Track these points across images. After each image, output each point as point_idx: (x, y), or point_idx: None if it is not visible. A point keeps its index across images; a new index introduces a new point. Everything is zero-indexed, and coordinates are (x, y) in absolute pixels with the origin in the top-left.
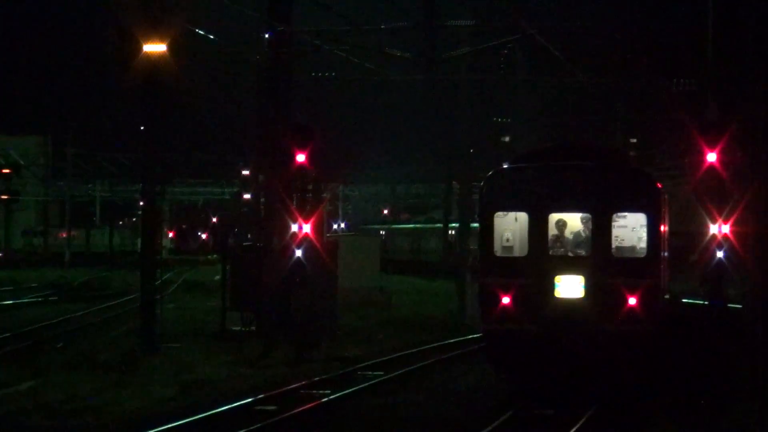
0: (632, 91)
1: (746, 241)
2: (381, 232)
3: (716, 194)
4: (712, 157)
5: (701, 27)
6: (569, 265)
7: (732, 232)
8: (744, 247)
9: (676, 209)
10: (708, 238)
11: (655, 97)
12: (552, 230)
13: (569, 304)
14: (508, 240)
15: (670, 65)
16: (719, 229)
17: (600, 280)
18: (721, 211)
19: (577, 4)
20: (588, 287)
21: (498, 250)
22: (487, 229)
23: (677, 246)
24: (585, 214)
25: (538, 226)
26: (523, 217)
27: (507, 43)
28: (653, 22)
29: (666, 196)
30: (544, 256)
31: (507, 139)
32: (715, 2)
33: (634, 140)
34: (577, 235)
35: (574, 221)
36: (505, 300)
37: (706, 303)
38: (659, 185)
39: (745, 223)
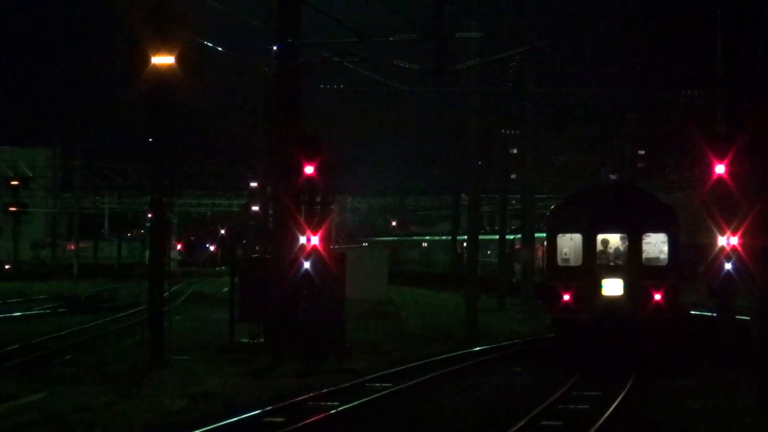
0: (641, 104)
1: (755, 253)
2: (364, 244)
3: (725, 206)
4: (720, 169)
5: (710, 39)
6: (612, 272)
7: (740, 244)
8: (753, 259)
9: (685, 222)
10: (716, 250)
11: (664, 110)
12: (599, 246)
13: (612, 300)
14: (566, 254)
15: (678, 77)
16: (728, 241)
17: (634, 282)
18: (729, 223)
19: (586, 17)
20: (626, 287)
21: (559, 261)
22: (552, 245)
23: (686, 258)
24: (623, 234)
25: (588, 243)
26: (577, 237)
27: (516, 55)
28: (661, 35)
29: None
30: (593, 265)
31: (515, 151)
32: (723, 15)
33: (642, 152)
34: (617, 249)
35: (614, 239)
36: (566, 297)
37: (714, 315)
38: (675, 212)
39: (753, 235)
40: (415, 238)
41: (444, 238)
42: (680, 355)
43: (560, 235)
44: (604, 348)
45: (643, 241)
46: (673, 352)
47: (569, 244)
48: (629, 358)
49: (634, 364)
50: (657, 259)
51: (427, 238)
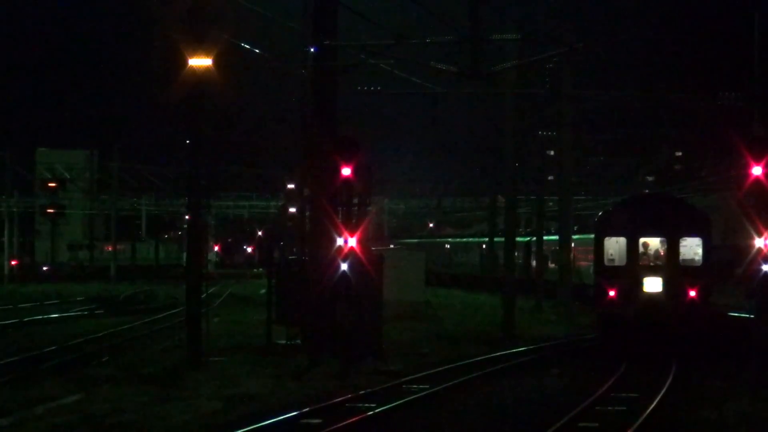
0: (678, 105)
1: None
2: (391, 246)
3: (762, 208)
4: (757, 170)
5: (747, 41)
6: (652, 271)
7: None
8: None
9: (722, 223)
10: (753, 251)
11: (701, 112)
12: (640, 248)
13: (653, 296)
14: (612, 255)
15: (716, 79)
16: (765, 242)
17: (672, 281)
18: (767, 224)
19: (624, 19)
20: (664, 285)
21: (606, 261)
22: (600, 248)
23: (722, 260)
24: (662, 238)
25: (631, 245)
26: (622, 240)
27: (553, 56)
28: (699, 36)
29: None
30: (636, 265)
31: (552, 152)
32: (761, 17)
33: (680, 154)
34: (656, 251)
35: (654, 243)
36: (611, 293)
37: (752, 317)
38: (709, 219)
39: None
40: (438, 240)
41: (472, 240)
42: (718, 357)
43: (607, 238)
44: (645, 341)
45: (680, 244)
46: (711, 353)
47: (614, 246)
48: (668, 354)
49: (672, 361)
50: (692, 260)
51: (450, 240)
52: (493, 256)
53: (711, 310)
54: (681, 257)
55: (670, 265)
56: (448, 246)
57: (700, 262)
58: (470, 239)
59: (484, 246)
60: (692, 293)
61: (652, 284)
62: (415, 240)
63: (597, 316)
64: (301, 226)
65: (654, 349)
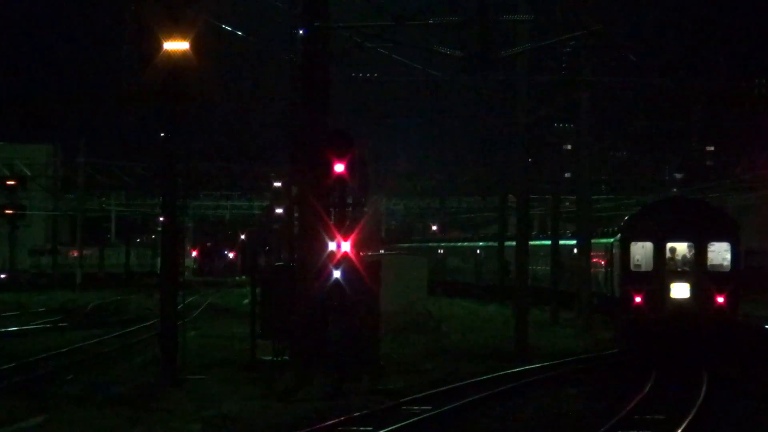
0: (709, 94)
1: None
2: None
3: None
4: None
5: None
6: (679, 276)
7: None
8: None
9: (758, 225)
10: None
11: (735, 102)
12: (668, 253)
13: (680, 302)
14: (638, 260)
15: (752, 65)
16: None
17: (700, 286)
18: None
19: None
20: (692, 290)
21: (632, 267)
22: (626, 253)
23: (757, 267)
24: (689, 243)
25: (658, 250)
26: (648, 245)
27: (570, 40)
28: (732, 18)
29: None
30: (663, 270)
31: (569, 147)
32: None
33: (711, 148)
34: (684, 256)
35: (682, 247)
36: (638, 299)
37: None
38: (737, 224)
39: None
40: (431, 244)
41: (466, 244)
42: (752, 373)
43: (633, 243)
44: (673, 351)
45: (708, 249)
46: (745, 369)
47: (641, 251)
48: (698, 369)
49: (703, 377)
50: (720, 265)
51: (443, 244)
52: (504, 262)
53: (740, 319)
54: (709, 262)
55: (698, 271)
56: (441, 251)
57: (729, 267)
58: (464, 243)
59: (478, 251)
60: (720, 299)
61: (680, 290)
62: (406, 244)
63: (622, 322)
64: (288, 229)
65: (683, 362)
